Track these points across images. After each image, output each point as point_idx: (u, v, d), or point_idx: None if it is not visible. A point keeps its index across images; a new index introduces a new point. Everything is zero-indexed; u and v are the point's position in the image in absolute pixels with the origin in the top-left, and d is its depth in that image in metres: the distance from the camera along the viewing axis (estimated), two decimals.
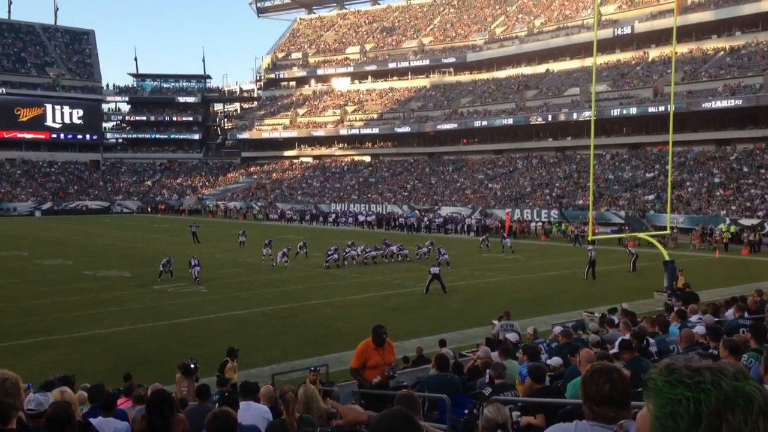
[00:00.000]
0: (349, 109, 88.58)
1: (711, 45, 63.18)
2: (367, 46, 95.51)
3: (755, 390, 1.26)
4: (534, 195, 59.05)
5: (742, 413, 1.24)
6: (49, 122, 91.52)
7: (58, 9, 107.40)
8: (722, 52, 61.39)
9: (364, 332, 18.55)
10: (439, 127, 75.67)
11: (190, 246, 40.36)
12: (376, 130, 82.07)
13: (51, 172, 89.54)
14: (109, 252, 39.26)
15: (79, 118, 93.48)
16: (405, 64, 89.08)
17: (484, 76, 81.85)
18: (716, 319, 10.47)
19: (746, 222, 42.12)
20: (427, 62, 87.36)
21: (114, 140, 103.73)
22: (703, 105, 54.32)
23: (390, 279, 28.49)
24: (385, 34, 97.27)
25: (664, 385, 1.32)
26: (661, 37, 65.38)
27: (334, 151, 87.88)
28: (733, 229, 41.50)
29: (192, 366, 10.97)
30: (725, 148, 55.08)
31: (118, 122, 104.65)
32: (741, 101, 52.60)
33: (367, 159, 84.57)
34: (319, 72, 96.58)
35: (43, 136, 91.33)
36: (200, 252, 34.32)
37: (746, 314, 10.76)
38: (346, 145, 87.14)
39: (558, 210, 53.56)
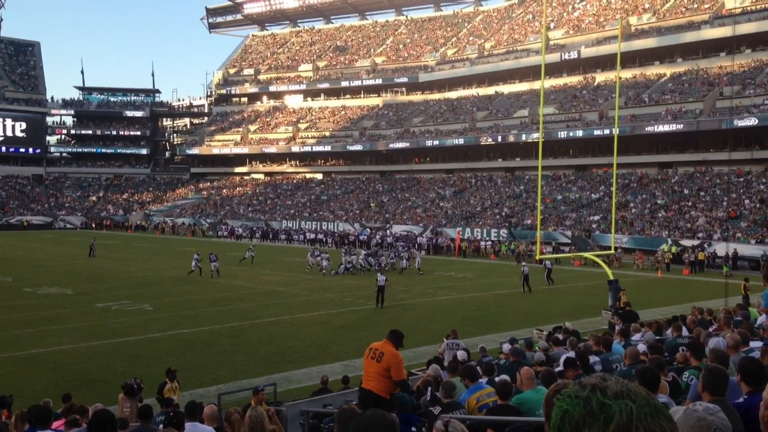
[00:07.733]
0: (302, 126, 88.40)
1: (654, 71, 65.33)
2: (320, 64, 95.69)
3: (622, 410, 1.29)
4: (484, 214, 59.77)
5: (597, 429, 1.28)
6: None
7: (2, 20, 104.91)
8: (664, 78, 63.49)
9: (313, 351, 18.52)
10: (391, 145, 76.14)
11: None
12: (328, 148, 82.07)
13: None
14: (50, 268, 38.11)
15: (22, 131, 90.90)
16: (358, 82, 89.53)
17: (436, 96, 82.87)
18: (657, 338, 10.74)
19: (687, 243, 43.41)
20: (379, 81, 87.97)
21: (58, 154, 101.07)
22: (646, 129, 55.95)
23: (341, 297, 28.39)
24: (338, 52, 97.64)
25: (558, 399, 1.39)
26: (606, 62, 67.28)
27: (286, 168, 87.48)
28: (674, 249, 42.75)
29: (135, 386, 10.73)
30: (667, 170, 56.78)
31: (63, 136, 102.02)
32: (682, 126, 54.29)
33: (319, 176, 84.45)
34: (272, 89, 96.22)
35: None
36: (145, 267, 33.61)
37: (686, 332, 11.06)
38: (298, 162, 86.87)
39: (507, 229, 54.30)
